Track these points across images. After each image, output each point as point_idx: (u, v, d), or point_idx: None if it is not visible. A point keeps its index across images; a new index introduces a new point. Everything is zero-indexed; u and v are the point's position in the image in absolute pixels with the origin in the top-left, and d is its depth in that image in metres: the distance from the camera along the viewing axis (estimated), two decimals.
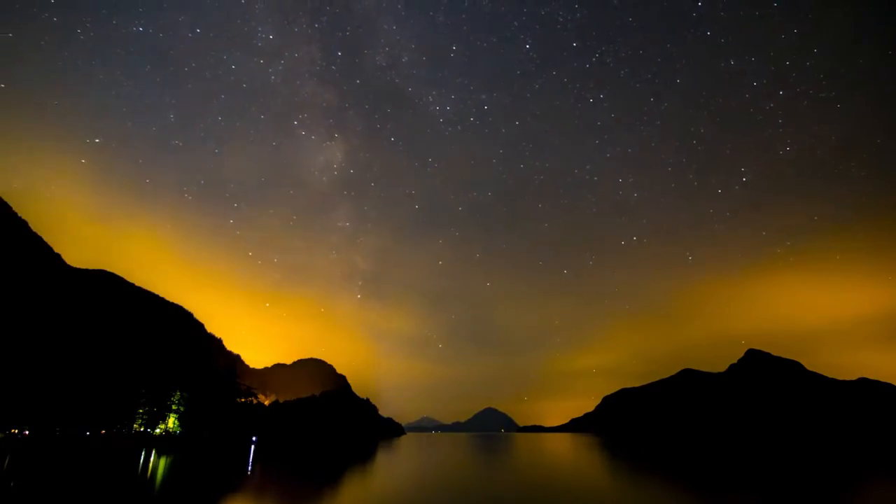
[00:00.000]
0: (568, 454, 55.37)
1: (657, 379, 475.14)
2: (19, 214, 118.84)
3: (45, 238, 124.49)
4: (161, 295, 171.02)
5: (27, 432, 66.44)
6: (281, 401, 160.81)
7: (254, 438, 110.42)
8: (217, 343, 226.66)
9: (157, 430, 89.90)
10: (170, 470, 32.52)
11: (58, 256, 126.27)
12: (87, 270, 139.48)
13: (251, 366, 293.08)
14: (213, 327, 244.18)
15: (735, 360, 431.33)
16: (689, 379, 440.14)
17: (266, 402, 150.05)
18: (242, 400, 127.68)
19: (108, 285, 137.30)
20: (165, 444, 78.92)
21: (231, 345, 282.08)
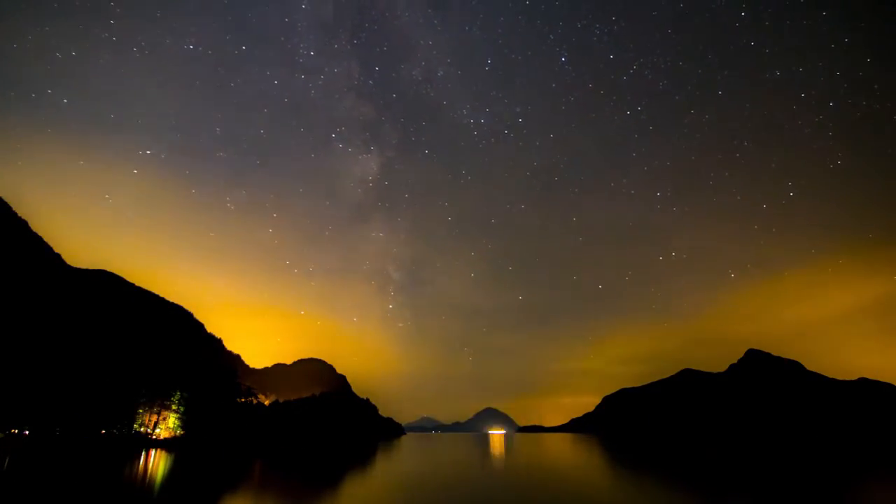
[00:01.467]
0: (568, 454, 55.38)
1: (657, 379, 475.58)
2: (19, 214, 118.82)
3: (46, 238, 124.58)
4: (162, 295, 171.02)
5: (27, 432, 66.44)
6: (281, 401, 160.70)
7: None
8: (217, 343, 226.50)
9: (157, 431, 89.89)
10: (170, 470, 32.51)
11: (58, 256, 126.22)
12: (87, 270, 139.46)
13: (251, 366, 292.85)
14: (213, 327, 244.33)
15: (735, 360, 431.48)
16: (689, 379, 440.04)
17: (266, 402, 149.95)
18: (242, 400, 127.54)
19: (108, 285, 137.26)
20: (165, 444, 78.90)
21: (231, 345, 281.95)
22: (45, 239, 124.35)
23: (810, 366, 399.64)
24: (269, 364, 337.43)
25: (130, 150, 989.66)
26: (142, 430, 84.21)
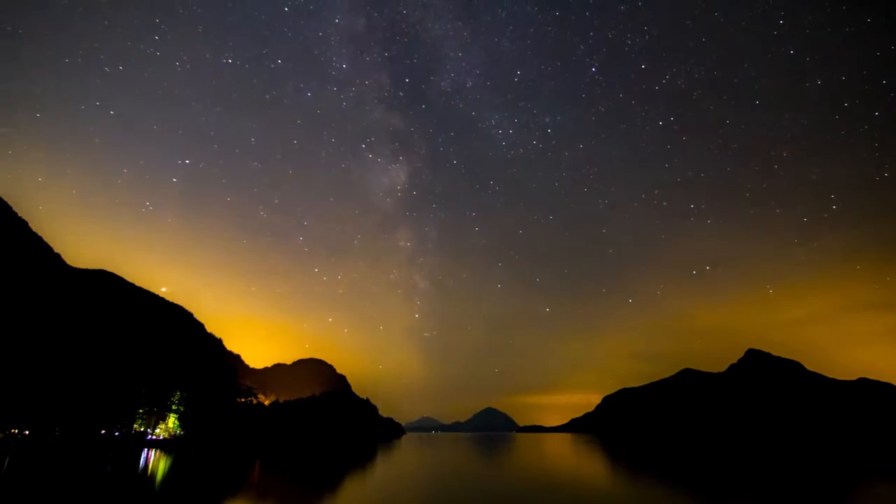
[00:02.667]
0: (568, 455, 55.40)
1: (657, 379, 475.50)
2: (19, 214, 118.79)
3: (45, 238, 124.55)
4: (162, 295, 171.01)
5: (27, 432, 66.42)
6: (281, 401, 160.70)
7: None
8: (217, 343, 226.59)
9: (157, 430, 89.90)
10: (169, 470, 32.52)
11: (58, 256, 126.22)
12: (87, 270, 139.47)
13: (251, 366, 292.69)
14: (213, 327, 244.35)
15: (735, 360, 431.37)
16: (689, 379, 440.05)
17: (266, 402, 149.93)
18: (242, 400, 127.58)
19: (108, 285, 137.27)
20: (165, 444, 78.89)
21: (231, 345, 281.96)
22: (46, 239, 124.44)
23: (810, 366, 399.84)
24: (269, 364, 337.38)
25: (171, 159, 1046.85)
26: (142, 430, 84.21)
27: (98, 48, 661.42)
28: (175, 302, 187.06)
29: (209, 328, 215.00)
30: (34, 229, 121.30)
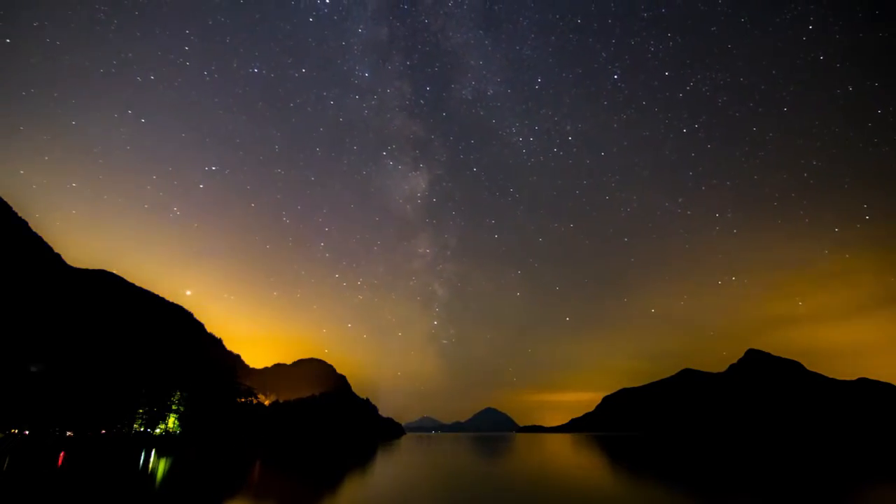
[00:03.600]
0: (568, 455, 55.39)
1: (657, 379, 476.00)
2: (19, 214, 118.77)
3: (46, 238, 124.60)
4: (161, 295, 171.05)
5: (27, 432, 66.44)
6: (281, 401, 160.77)
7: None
8: (217, 343, 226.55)
9: (157, 430, 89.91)
10: (169, 470, 32.53)
11: (58, 256, 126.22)
12: (87, 270, 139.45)
13: (251, 366, 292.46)
14: (213, 327, 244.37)
15: (735, 360, 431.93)
16: (689, 379, 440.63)
17: (266, 402, 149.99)
18: (242, 400, 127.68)
19: (108, 285, 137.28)
20: (165, 444, 78.89)
21: (231, 345, 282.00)
22: (46, 239, 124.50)
23: (810, 366, 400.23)
24: (269, 364, 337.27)
25: (198, 166, 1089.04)
26: (142, 429, 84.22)
27: (131, 59, 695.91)
28: (183, 306, 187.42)
29: (219, 333, 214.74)
30: (34, 229, 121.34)
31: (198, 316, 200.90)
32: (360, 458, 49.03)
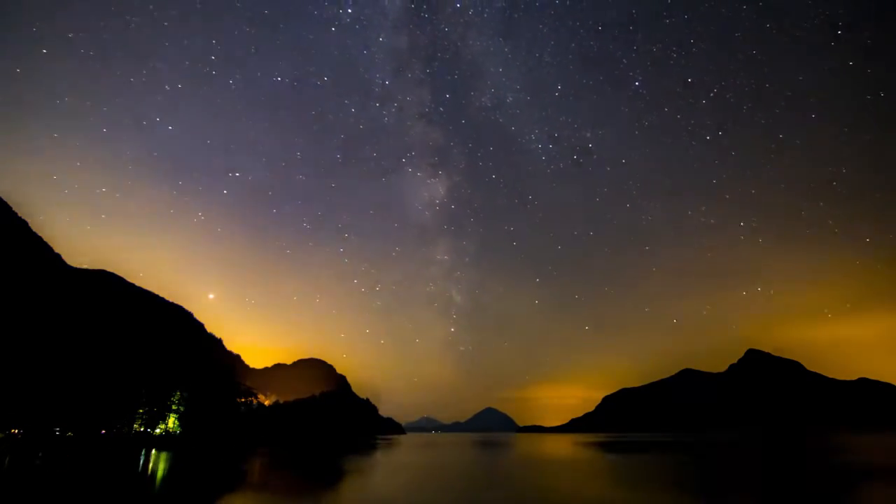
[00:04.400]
0: (568, 455, 55.40)
1: (657, 379, 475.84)
2: (19, 214, 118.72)
3: (46, 239, 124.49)
4: (162, 295, 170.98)
5: (27, 432, 66.43)
6: (281, 401, 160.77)
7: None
8: (217, 343, 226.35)
9: (157, 430, 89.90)
10: (169, 470, 32.53)
11: (58, 256, 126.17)
12: (87, 270, 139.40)
13: (251, 366, 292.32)
14: (212, 327, 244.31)
15: (735, 360, 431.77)
16: (689, 379, 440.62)
17: (266, 403, 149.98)
18: (242, 400, 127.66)
19: (108, 285, 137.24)
20: (165, 443, 78.88)
21: (231, 345, 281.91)
22: (46, 239, 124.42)
23: (810, 366, 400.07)
24: (269, 364, 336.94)
25: (222, 172, 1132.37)
26: (142, 429, 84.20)
27: (160, 68, 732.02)
28: (183, 306, 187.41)
29: (220, 333, 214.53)
30: (34, 229, 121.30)
31: (202, 316, 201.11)
32: (360, 458, 49.04)
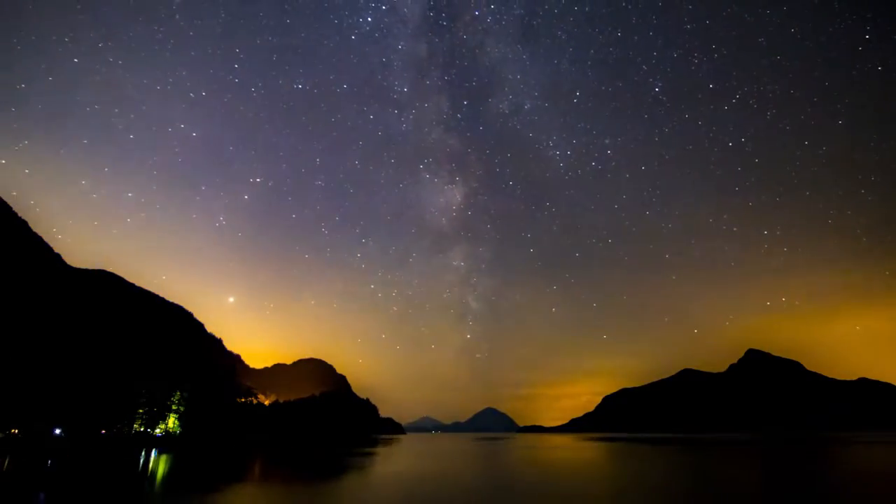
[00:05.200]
0: (568, 455, 55.42)
1: (657, 379, 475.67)
2: (19, 214, 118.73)
3: (47, 239, 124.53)
4: (162, 295, 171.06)
5: (27, 432, 66.42)
6: (281, 401, 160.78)
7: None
8: (217, 343, 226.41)
9: (157, 431, 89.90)
10: (169, 470, 32.54)
11: (58, 256, 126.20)
12: (87, 270, 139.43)
13: (251, 366, 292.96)
14: (212, 327, 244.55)
15: (735, 360, 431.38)
16: (689, 379, 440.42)
17: (266, 402, 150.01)
18: (242, 400, 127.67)
19: (108, 285, 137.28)
20: (165, 444, 78.88)
21: (231, 345, 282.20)
22: (46, 239, 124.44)
23: (810, 366, 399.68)
24: (269, 364, 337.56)
25: (243, 178, 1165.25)
26: (142, 429, 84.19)
27: (185, 76, 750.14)
28: (184, 306, 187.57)
29: (220, 333, 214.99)
30: (34, 229, 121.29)
31: (200, 316, 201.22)
32: (360, 457, 49.03)
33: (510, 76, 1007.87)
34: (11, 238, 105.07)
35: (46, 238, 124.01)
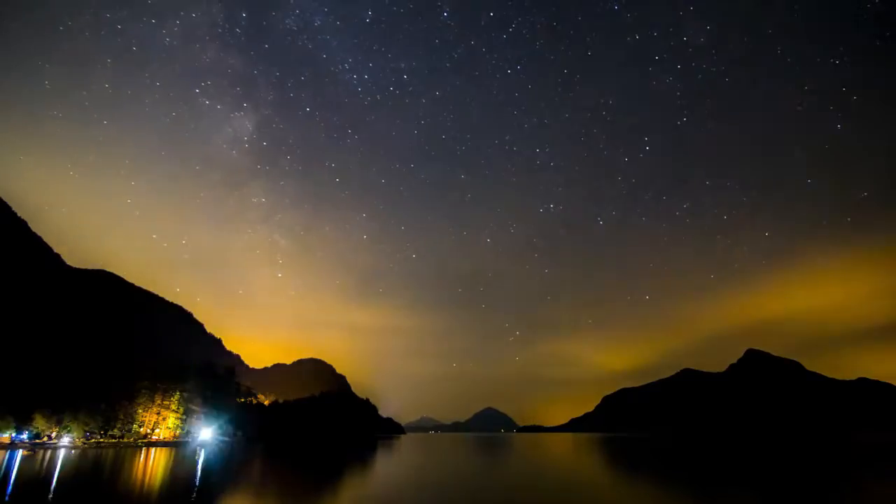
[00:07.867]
0: (568, 455, 55.42)
1: (657, 379, 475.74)
2: (19, 214, 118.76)
3: (47, 239, 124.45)
4: (161, 295, 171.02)
5: (27, 432, 66.39)
6: (281, 401, 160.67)
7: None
8: (217, 343, 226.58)
9: (157, 431, 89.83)
10: (169, 470, 32.55)
11: (58, 256, 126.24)
12: (87, 270, 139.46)
13: (251, 366, 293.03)
14: (212, 327, 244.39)
15: (735, 360, 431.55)
16: (689, 379, 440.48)
17: (266, 402, 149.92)
18: (242, 400, 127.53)
19: (108, 285, 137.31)
20: (165, 443, 78.84)
21: (231, 345, 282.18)
22: (46, 240, 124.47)
23: (810, 366, 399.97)
24: (269, 364, 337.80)
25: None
26: (142, 430, 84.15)
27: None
28: (183, 306, 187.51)
29: (222, 334, 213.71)
30: (34, 229, 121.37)
31: (201, 317, 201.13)
32: (361, 458, 49.05)
33: None
34: (11, 238, 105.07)
35: (46, 238, 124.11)
